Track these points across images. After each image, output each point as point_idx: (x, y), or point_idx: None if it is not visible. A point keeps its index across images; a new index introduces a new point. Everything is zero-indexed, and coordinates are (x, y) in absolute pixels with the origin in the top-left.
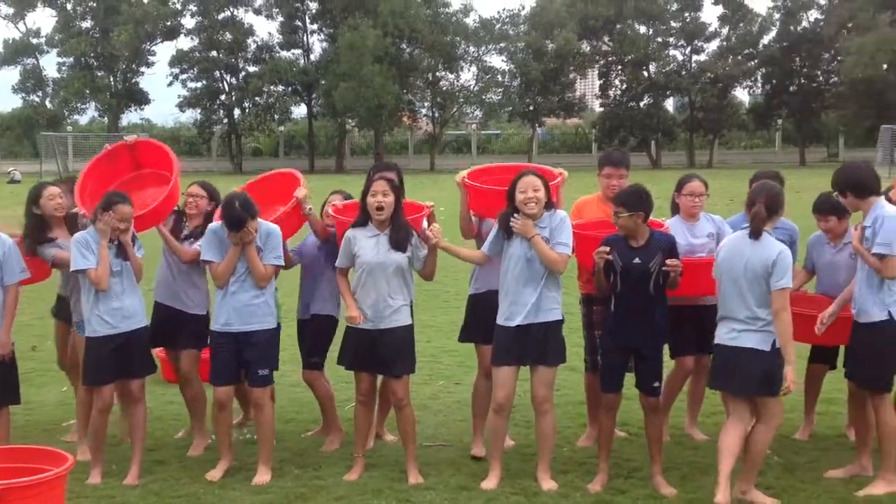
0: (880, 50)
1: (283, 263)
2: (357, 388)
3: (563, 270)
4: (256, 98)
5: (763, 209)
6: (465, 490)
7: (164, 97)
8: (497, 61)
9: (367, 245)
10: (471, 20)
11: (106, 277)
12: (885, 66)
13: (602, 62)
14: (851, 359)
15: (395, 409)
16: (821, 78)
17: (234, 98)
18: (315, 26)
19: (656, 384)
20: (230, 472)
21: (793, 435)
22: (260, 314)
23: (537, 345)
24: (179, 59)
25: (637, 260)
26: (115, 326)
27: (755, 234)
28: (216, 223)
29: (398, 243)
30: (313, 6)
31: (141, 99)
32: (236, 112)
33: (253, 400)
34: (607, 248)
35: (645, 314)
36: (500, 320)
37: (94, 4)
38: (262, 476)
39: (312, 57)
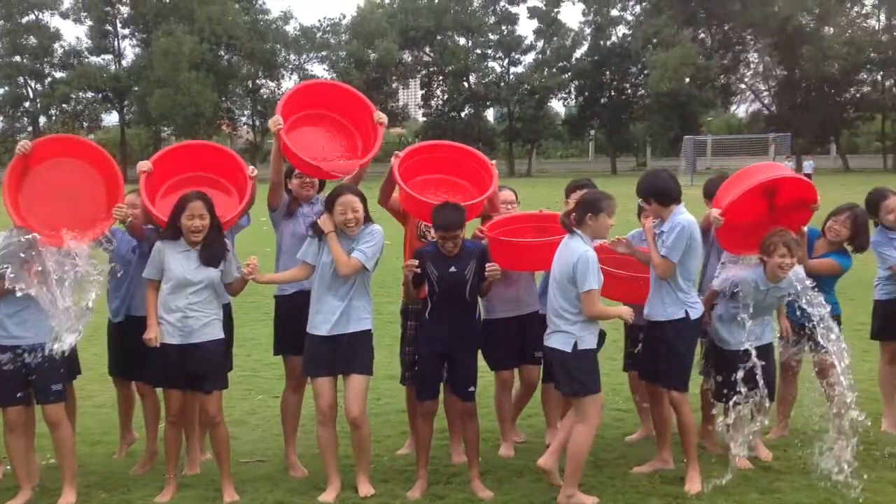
0: (683, 64)
1: None
2: (168, 407)
3: (350, 274)
4: (64, 105)
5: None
6: None
7: None
8: (319, 70)
9: (177, 259)
10: (291, 28)
11: None
12: (687, 79)
13: (424, 72)
14: (647, 358)
15: (208, 426)
16: (629, 90)
17: (39, 105)
18: (127, 31)
19: (471, 389)
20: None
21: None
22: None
23: (346, 354)
24: None
25: (453, 269)
26: None
27: (569, 231)
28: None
29: (209, 260)
30: (125, 10)
31: None
32: (42, 119)
33: (48, 419)
34: (416, 262)
35: (460, 321)
36: (309, 329)
37: None
38: (67, 498)
39: (124, 63)
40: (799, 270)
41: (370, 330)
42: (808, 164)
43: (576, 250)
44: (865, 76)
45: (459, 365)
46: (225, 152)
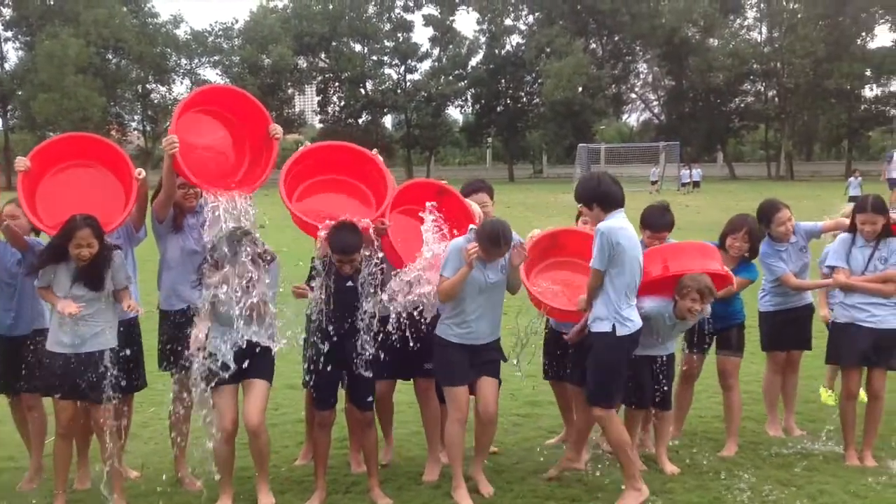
0: (576, 73)
1: None
2: (58, 418)
3: None
4: None
5: None
6: None
7: None
8: (212, 75)
9: (64, 280)
10: (182, 32)
11: None
12: (580, 88)
13: (320, 78)
14: (578, 362)
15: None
16: (525, 99)
17: None
18: (10, 33)
19: (369, 399)
20: None
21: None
22: None
23: (250, 362)
24: None
25: (349, 283)
26: None
27: None
28: None
29: (92, 284)
30: (7, 12)
31: None
32: None
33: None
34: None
35: (355, 332)
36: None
37: None
38: None
39: (7, 66)
40: None
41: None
42: (696, 173)
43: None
44: (749, 87)
45: (358, 376)
46: (108, 145)
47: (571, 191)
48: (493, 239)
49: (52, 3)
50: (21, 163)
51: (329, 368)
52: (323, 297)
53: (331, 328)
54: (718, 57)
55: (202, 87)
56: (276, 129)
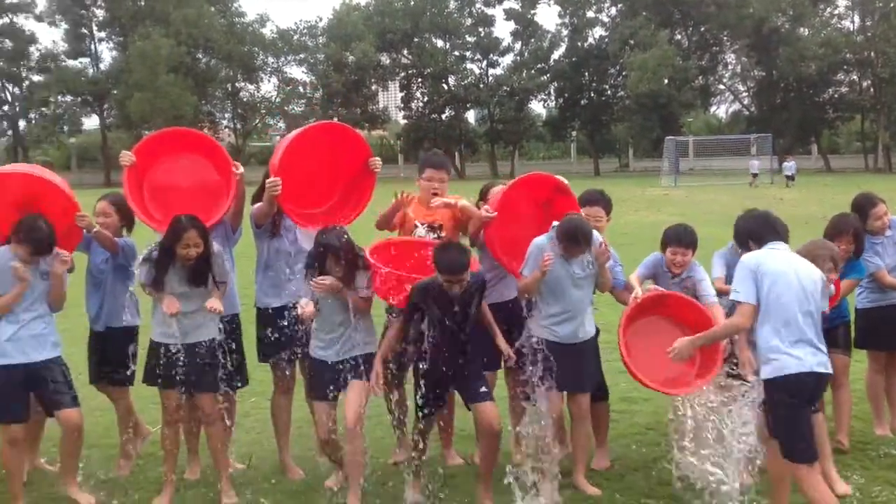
0: (661, 65)
1: None
2: (164, 406)
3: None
4: (43, 109)
5: None
6: None
7: None
8: (297, 72)
9: (171, 278)
10: (268, 30)
11: None
12: (665, 80)
13: (403, 74)
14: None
15: (204, 424)
16: (609, 92)
17: (17, 109)
18: (103, 34)
19: (483, 389)
20: None
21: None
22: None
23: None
24: None
25: (456, 308)
26: None
27: None
28: None
29: (196, 281)
30: (100, 13)
31: None
32: (21, 123)
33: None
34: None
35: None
36: (312, 352)
37: None
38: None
39: (102, 66)
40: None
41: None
42: (789, 166)
43: None
44: (843, 77)
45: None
46: (207, 140)
47: (658, 185)
48: (572, 236)
49: (142, 3)
50: (126, 157)
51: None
52: (429, 332)
53: (442, 369)
54: (810, 46)
55: (305, 128)
56: (376, 162)
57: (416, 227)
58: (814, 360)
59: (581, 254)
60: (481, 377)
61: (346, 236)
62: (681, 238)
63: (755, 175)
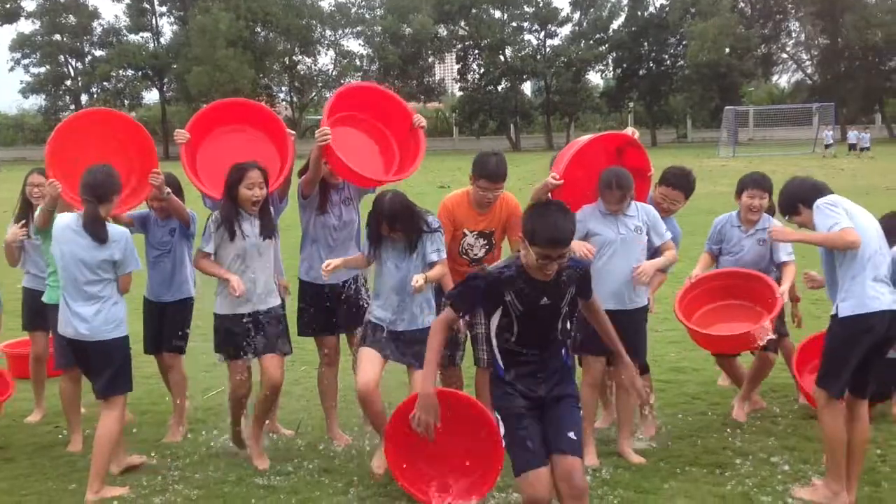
0: (721, 34)
1: None
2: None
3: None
4: (105, 83)
5: None
6: (326, 472)
7: (4, 83)
8: (354, 45)
9: (246, 229)
10: (326, 4)
11: None
12: (727, 49)
13: (459, 46)
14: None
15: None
16: (668, 62)
17: (80, 83)
18: (164, 9)
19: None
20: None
21: None
22: None
23: (407, 347)
24: (20, 44)
25: (545, 300)
26: None
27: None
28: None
29: (267, 229)
30: None
31: None
32: (84, 98)
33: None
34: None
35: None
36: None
37: None
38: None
39: (163, 41)
40: None
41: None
42: (864, 137)
43: None
44: None
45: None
46: (263, 110)
47: (716, 155)
48: (607, 182)
49: None
50: (181, 135)
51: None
52: (510, 327)
53: (520, 386)
54: (877, 13)
55: (345, 87)
56: (419, 119)
57: (464, 234)
58: (890, 298)
59: (618, 202)
60: (575, 419)
61: (400, 201)
62: (758, 181)
63: (828, 146)
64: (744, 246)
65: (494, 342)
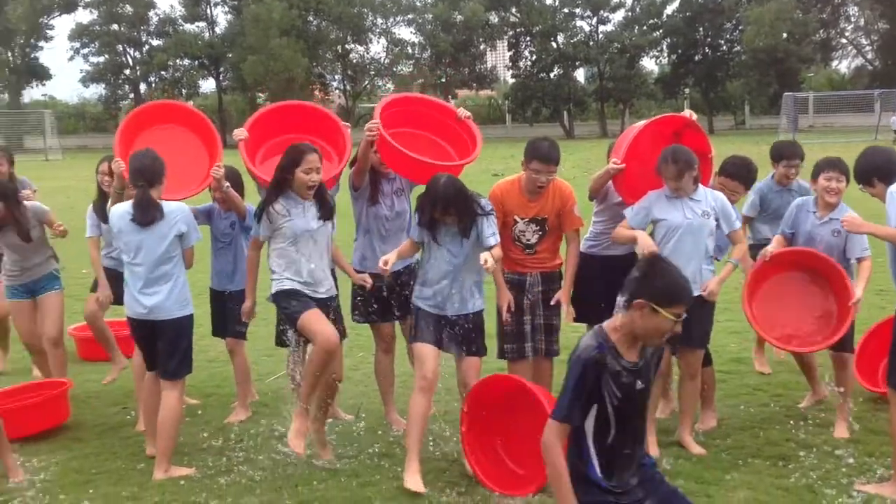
0: (779, 19)
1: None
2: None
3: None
4: (162, 72)
5: None
6: (386, 457)
7: (65, 72)
8: (406, 33)
9: (296, 213)
10: None
11: None
12: (784, 34)
13: (511, 33)
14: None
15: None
16: (724, 47)
17: (138, 72)
18: None
19: None
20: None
21: None
22: None
23: (462, 334)
24: (79, 33)
25: (640, 384)
26: None
27: None
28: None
29: (325, 212)
30: None
31: (42, 74)
32: (142, 87)
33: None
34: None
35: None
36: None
37: None
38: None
39: (218, 30)
40: None
41: (482, 311)
42: None
43: None
44: None
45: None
46: (320, 112)
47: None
48: (665, 157)
49: None
50: (240, 132)
51: None
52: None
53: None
54: None
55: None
56: (463, 112)
57: (515, 221)
58: None
59: (678, 178)
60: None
61: (454, 184)
62: (835, 163)
63: None
64: (816, 235)
65: (591, 442)
